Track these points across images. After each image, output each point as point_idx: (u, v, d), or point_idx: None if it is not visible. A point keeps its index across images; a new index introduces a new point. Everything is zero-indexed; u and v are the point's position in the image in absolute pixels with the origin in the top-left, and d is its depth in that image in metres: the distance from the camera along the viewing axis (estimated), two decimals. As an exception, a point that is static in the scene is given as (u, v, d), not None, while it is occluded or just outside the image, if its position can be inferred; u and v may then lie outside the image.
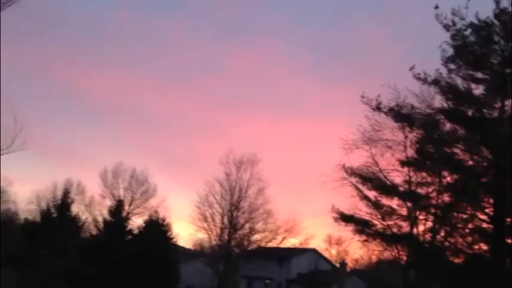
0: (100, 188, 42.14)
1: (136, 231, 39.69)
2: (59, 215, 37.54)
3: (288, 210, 50.53)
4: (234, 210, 41.63)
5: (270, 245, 43.49)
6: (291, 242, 44.04)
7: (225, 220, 41.71)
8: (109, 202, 41.26)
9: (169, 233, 39.13)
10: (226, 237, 41.67)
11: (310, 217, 55.32)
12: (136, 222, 41.15)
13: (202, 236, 43.23)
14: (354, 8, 68.93)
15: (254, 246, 43.14)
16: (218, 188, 42.16)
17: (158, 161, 65.52)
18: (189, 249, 48.50)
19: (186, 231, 50.08)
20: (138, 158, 60.19)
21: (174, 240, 40.59)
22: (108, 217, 39.50)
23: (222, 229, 41.84)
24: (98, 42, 69.08)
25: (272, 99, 73.53)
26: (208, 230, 42.07)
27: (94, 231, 40.89)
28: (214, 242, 42.67)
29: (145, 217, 40.43)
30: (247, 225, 41.98)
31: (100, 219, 40.66)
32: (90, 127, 66.65)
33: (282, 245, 44.10)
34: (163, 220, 39.08)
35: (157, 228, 38.13)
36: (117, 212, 39.58)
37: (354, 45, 69.69)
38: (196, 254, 47.22)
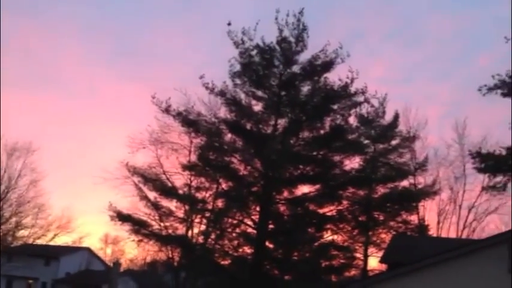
0: None
1: None
2: None
3: (64, 206, 47.54)
4: (-1, 201, 37.19)
5: (40, 242, 39.99)
6: (63, 240, 41.44)
7: (-13, 212, 36.96)
8: None
9: None
10: (-14, 231, 36.92)
11: (88, 214, 52.95)
12: None
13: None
14: (160, 11, 69.16)
15: (20, 242, 39.17)
16: (-19, 175, 37.16)
17: None
18: None
19: None
20: None
21: None
22: None
23: (-18, 222, 36.93)
24: None
25: (60, 85, 68.60)
26: (-36, 223, 36.73)
27: None
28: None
29: None
30: (13, 219, 37.88)
31: None
32: None
33: (52, 243, 40.96)
34: None
35: None
36: None
37: (153, 46, 69.57)
38: None
